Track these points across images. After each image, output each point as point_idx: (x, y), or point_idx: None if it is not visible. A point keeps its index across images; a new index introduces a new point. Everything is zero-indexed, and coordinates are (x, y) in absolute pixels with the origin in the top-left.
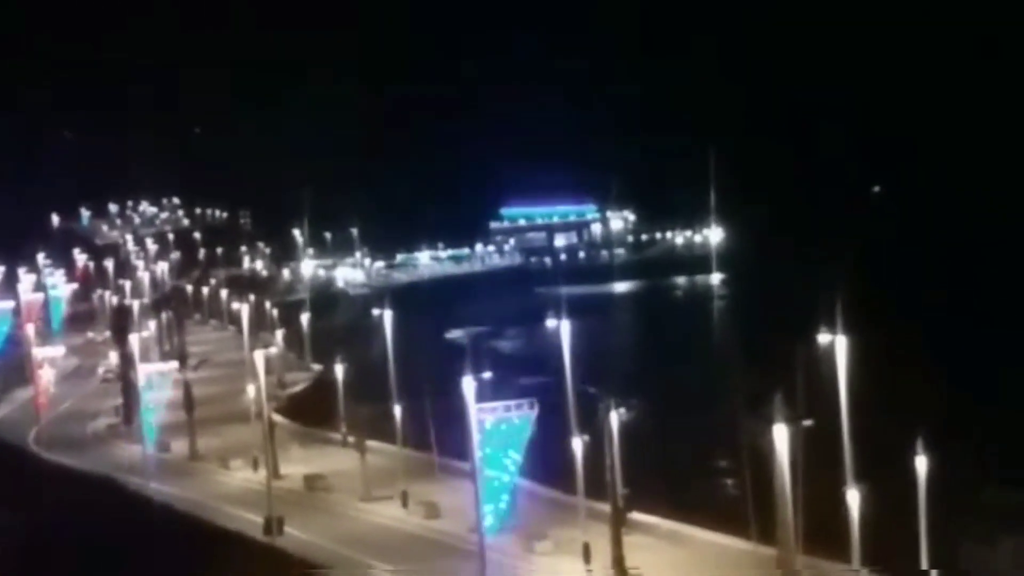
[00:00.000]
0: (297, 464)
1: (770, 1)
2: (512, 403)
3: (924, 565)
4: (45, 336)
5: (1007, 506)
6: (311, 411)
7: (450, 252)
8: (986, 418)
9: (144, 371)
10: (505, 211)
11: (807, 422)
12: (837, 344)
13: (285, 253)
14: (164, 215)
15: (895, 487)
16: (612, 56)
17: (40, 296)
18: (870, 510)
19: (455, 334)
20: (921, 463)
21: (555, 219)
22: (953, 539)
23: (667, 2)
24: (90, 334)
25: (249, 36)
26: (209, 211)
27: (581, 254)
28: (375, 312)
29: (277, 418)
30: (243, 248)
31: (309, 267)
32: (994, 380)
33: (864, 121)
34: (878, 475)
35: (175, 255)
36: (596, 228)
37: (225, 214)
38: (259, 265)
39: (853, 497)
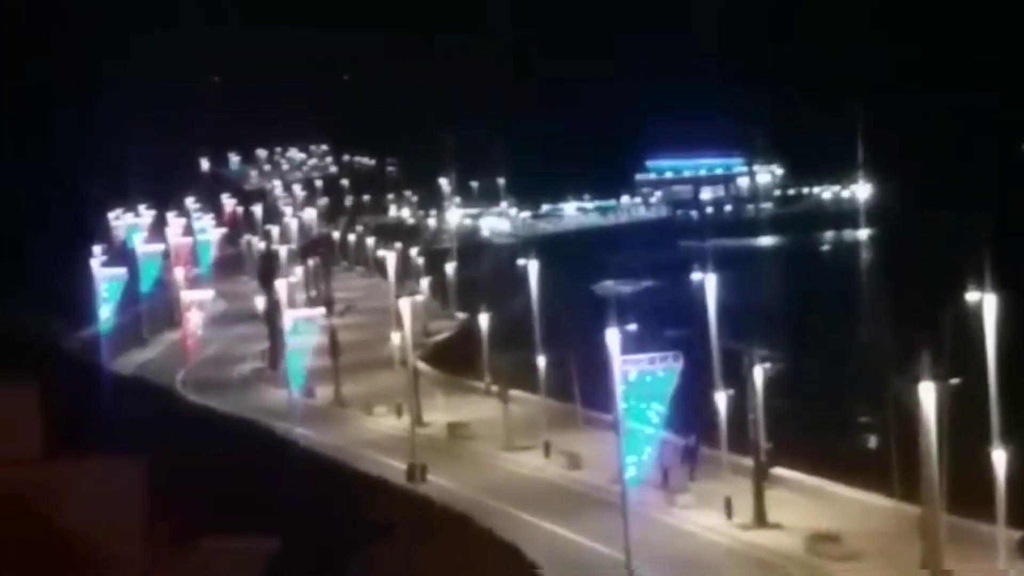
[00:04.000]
0: (440, 412)
1: None
2: (656, 355)
3: None
4: (194, 280)
5: None
6: (455, 359)
7: (596, 203)
8: None
9: (290, 316)
10: (651, 163)
11: (954, 380)
12: (986, 302)
13: (431, 201)
14: (312, 161)
15: None
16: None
17: (189, 240)
18: (1017, 471)
19: (603, 286)
20: None
21: (702, 172)
22: None
23: None
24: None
25: None
26: (357, 158)
27: (727, 207)
28: (520, 262)
29: (421, 366)
30: (390, 196)
31: (455, 216)
32: None
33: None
34: None
35: (322, 202)
36: (743, 182)
37: (373, 162)
38: (405, 213)
39: (999, 457)
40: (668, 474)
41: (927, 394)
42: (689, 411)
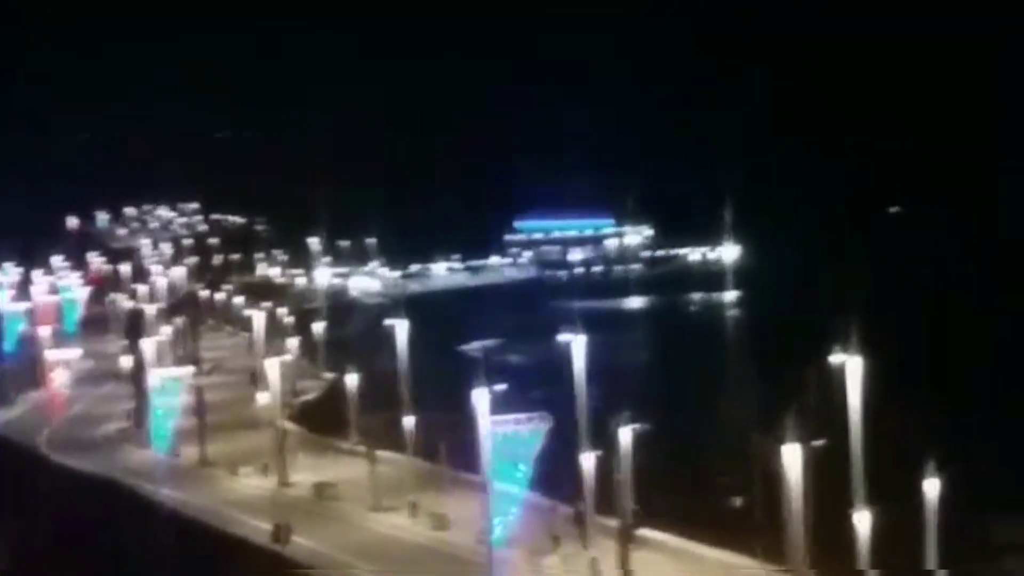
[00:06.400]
0: (307, 472)
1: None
2: (523, 416)
3: None
4: (59, 338)
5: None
6: (323, 419)
7: (465, 263)
8: (1001, 442)
9: (156, 375)
10: (521, 224)
11: (818, 442)
12: (850, 365)
13: (301, 261)
14: (181, 220)
15: (906, 510)
16: (629, 71)
17: (55, 298)
18: (879, 533)
19: (470, 346)
20: (932, 486)
21: (571, 233)
22: (962, 564)
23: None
24: None
25: (269, 42)
26: (226, 217)
27: (597, 268)
28: (388, 322)
29: (289, 425)
30: (259, 255)
31: (324, 275)
32: (1012, 404)
33: (886, 140)
34: (889, 497)
35: (191, 260)
36: (612, 243)
37: (242, 220)
38: (274, 272)
39: (862, 519)
40: (559, 540)
41: (791, 455)
42: (572, 476)
